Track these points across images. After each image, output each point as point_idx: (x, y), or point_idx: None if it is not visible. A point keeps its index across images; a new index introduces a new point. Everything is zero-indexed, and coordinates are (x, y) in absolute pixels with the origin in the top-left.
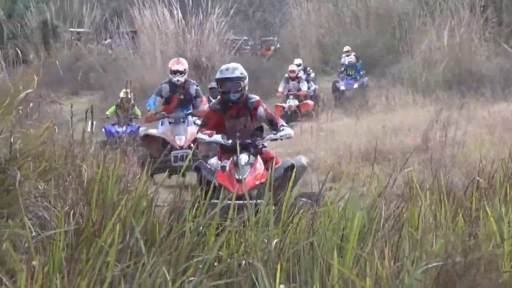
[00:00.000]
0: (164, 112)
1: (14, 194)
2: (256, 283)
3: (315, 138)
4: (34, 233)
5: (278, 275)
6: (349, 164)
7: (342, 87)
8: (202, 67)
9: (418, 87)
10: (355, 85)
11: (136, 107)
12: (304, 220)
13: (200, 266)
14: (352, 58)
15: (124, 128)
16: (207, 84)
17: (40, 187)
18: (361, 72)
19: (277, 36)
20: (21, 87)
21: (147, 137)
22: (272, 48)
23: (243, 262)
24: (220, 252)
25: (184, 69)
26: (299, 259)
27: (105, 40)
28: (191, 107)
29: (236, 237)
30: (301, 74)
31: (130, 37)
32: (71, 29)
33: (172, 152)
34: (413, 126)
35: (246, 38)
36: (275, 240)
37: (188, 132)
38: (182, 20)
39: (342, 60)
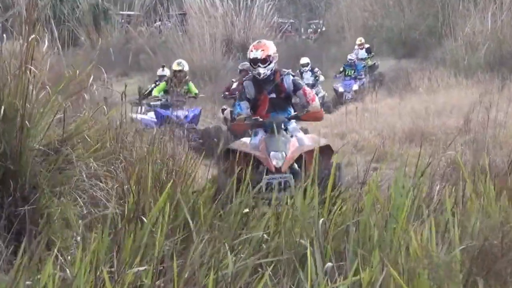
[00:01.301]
0: (258, 117)
1: (67, 173)
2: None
3: (359, 119)
4: (85, 211)
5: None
6: (393, 145)
7: (341, 89)
8: None
9: (460, 69)
10: (355, 86)
11: (190, 83)
12: (349, 200)
13: (247, 244)
14: (352, 56)
15: (186, 111)
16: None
17: (91, 166)
18: (362, 72)
19: (322, 19)
20: (77, 71)
21: (234, 153)
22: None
23: (290, 240)
24: (264, 235)
25: (267, 56)
26: (347, 238)
27: (155, 22)
28: (291, 108)
29: (282, 216)
30: (308, 75)
31: (179, 20)
32: (121, 12)
33: (264, 177)
34: (455, 108)
35: (293, 21)
36: (321, 219)
37: (289, 147)
38: (230, 3)
39: (354, 52)
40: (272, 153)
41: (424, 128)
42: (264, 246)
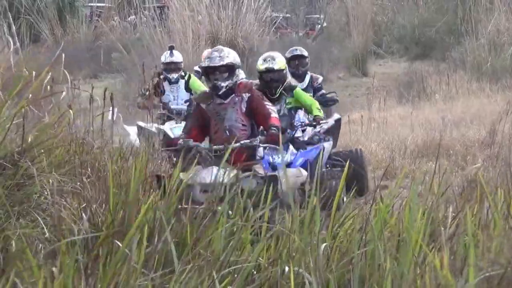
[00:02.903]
0: None
1: (26, 190)
2: None
3: (365, 129)
4: (47, 234)
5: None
6: (404, 160)
7: None
8: (238, 48)
9: (483, 73)
10: None
11: None
12: (355, 222)
13: (238, 274)
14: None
15: None
16: (244, 67)
17: (54, 182)
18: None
19: (323, 14)
20: (35, 72)
21: None
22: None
23: (287, 269)
24: (260, 259)
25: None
26: (352, 267)
27: (129, 16)
28: None
29: (279, 241)
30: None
31: (157, 13)
32: (90, 4)
33: None
34: (476, 118)
35: (289, 15)
36: (324, 244)
37: None
38: None
39: None
40: None
41: (440, 140)
42: (257, 275)
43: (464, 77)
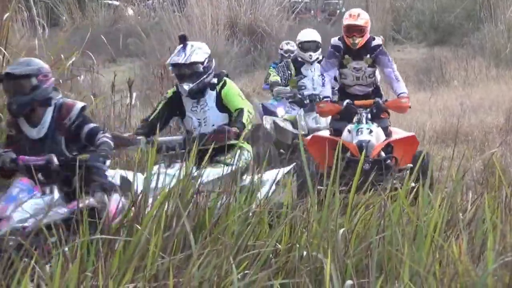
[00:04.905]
0: None
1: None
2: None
3: None
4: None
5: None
6: (422, 145)
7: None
8: (257, 34)
9: (501, 60)
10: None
11: None
12: (374, 208)
13: (255, 259)
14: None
15: None
16: (263, 52)
17: None
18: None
19: None
20: (51, 56)
21: None
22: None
23: (305, 254)
24: (278, 244)
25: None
26: (370, 252)
27: (147, 0)
28: None
29: (297, 226)
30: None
31: None
32: None
33: None
34: (495, 104)
35: (307, 0)
36: (342, 230)
37: None
38: None
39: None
40: None
41: (458, 126)
42: (274, 260)
43: (483, 63)
